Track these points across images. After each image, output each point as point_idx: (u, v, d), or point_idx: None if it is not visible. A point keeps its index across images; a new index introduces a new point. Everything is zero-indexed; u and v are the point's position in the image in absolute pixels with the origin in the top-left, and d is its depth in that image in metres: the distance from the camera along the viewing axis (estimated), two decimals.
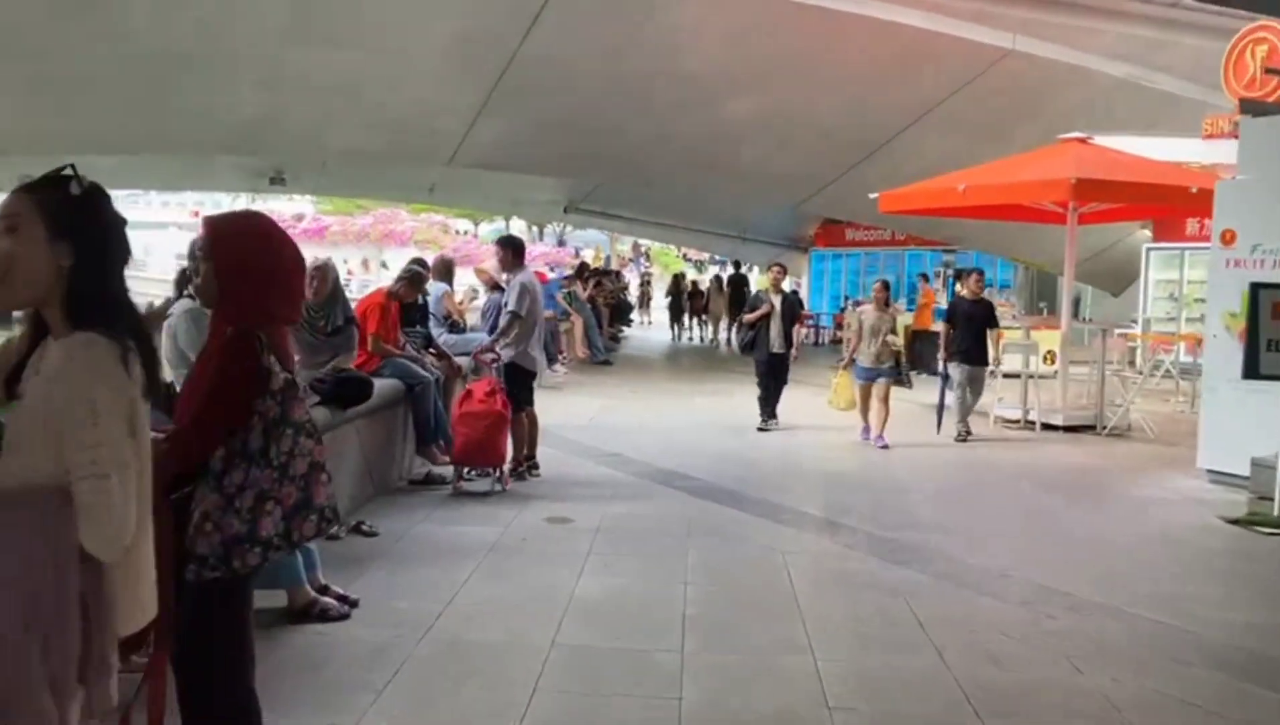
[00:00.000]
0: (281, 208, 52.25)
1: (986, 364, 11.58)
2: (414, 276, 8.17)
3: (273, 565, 4.68)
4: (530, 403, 8.44)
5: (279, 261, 2.84)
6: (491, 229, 58.37)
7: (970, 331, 11.25)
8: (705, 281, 30.50)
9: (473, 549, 6.13)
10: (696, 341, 27.19)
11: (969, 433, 11.15)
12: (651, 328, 30.80)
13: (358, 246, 43.25)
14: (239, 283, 2.75)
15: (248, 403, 2.65)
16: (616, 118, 15.48)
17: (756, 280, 45.63)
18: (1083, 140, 12.74)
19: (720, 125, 15.67)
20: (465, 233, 49.87)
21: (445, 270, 10.10)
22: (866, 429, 10.68)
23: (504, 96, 14.45)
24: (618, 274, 30.59)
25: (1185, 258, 19.02)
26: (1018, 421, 12.26)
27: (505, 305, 8.20)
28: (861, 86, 14.70)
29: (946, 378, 11.35)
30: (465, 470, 7.87)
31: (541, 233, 57.18)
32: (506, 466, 7.98)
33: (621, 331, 25.39)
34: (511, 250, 8.31)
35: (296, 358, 6.88)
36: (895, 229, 24.95)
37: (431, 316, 9.95)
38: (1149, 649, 4.92)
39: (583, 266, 19.97)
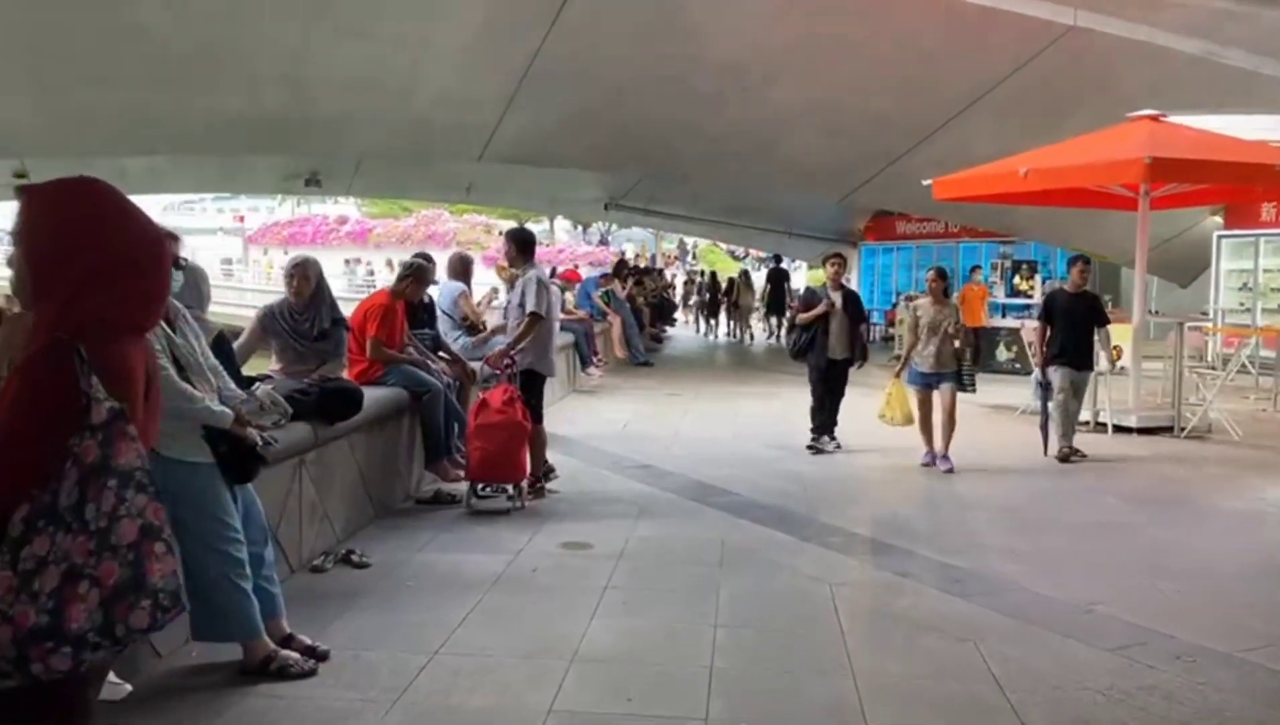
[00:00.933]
0: (326, 211, 52.25)
1: (1091, 367, 10.07)
2: (417, 272, 7.44)
3: (221, 611, 4.05)
4: (541, 415, 7.68)
5: (116, 245, 2.08)
6: (540, 231, 58.20)
7: (1072, 330, 9.77)
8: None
9: (474, 583, 5.38)
10: (724, 338, 26.46)
11: (1075, 452, 9.48)
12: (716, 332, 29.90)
13: (400, 248, 42.80)
14: (55, 275, 2.00)
15: (55, 442, 1.90)
16: (649, 108, 14.72)
17: (806, 275, 44.69)
18: (1155, 117, 11.76)
19: (760, 114, 14.86)
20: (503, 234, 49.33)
21: (462, 269, 9.37)
22: (931, 453, 9.01)
23: (532, 88, 13.76)
24: (660, 272, 29.78)
25: (1260, 245, 17.87)
26: (1086, 423, 11.31)
27: (521, 304, 7.45)
28: (912, 69, 13.80)
29: (1046, 387, 9.77)
30: (480, 487, 7.13)
31: (585, 232, 56.63)
32: (525, 483, 7.23)
33: (664, 331, 24.59)
34: (518, 244, 7.54)
35: (278, 366, 6.27)
36: (949, 220, 23.93)
37: (447, 318, 9.26)
38: (1273, 709, 4.06)
39: (621, 264, 19.21)
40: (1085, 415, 11.27)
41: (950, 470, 8.72)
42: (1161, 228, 18.06)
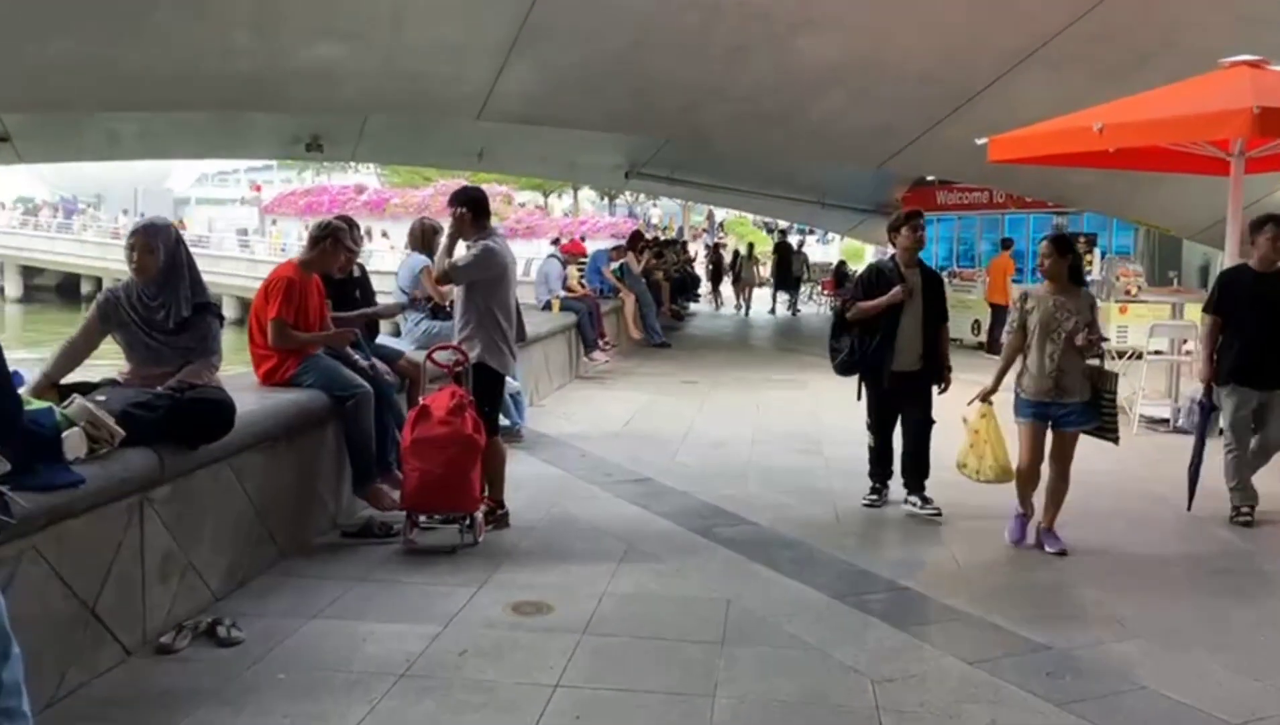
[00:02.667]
0: (345, 179, 50.94)
1: None
2: (333, 236, 5.86)
3: None
4: (498, 425, 6.13)
5: None
6: (567, 203, 56.42)
7: (1261, 328, 6.36)
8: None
9: (373, 674, 3.85)
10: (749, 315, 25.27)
11: (1248, 510, 6.36)
12: (722, 304, 28.28)
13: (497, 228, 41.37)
14: None
15: None
16: (665, 64, 13.09)
17: (840, 249, 42.90)
18: (1255, 64, 9.99)
19: (789, 71, 13.22)
20: (524, 205, 47.76)
21: (425, 239, 7.79)
22: (1022, 520, 5.89)
23: (533, 38, 12.17)
24: (684, 245, 28.11)
25: None
26: (1166, 422, 9.69)
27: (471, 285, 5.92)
28: (957, 21, 12.13)
29: (1210, 411, 6.71)
30: (422, 517, 5.61)
31: (612, 204, 54.99)
32: (480, 512, 5.70)
33: (686, 308, 22.99)
34: (470, 205, 5.95)
35: (128, 369, 4.72)
36: (997, 187, 22.13)
37: (412, 299, 7.73)
38: None
39: (636, 235, 17.58)
40: (1164, 410, 9.64)
41: (1062, 552, 5.66)
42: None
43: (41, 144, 22.03)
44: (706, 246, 31.03)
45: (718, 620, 4.53)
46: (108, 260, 42.50)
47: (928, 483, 6.46)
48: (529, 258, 32.26)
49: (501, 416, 7.93)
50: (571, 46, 12.66)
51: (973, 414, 5.97)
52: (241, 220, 49.13)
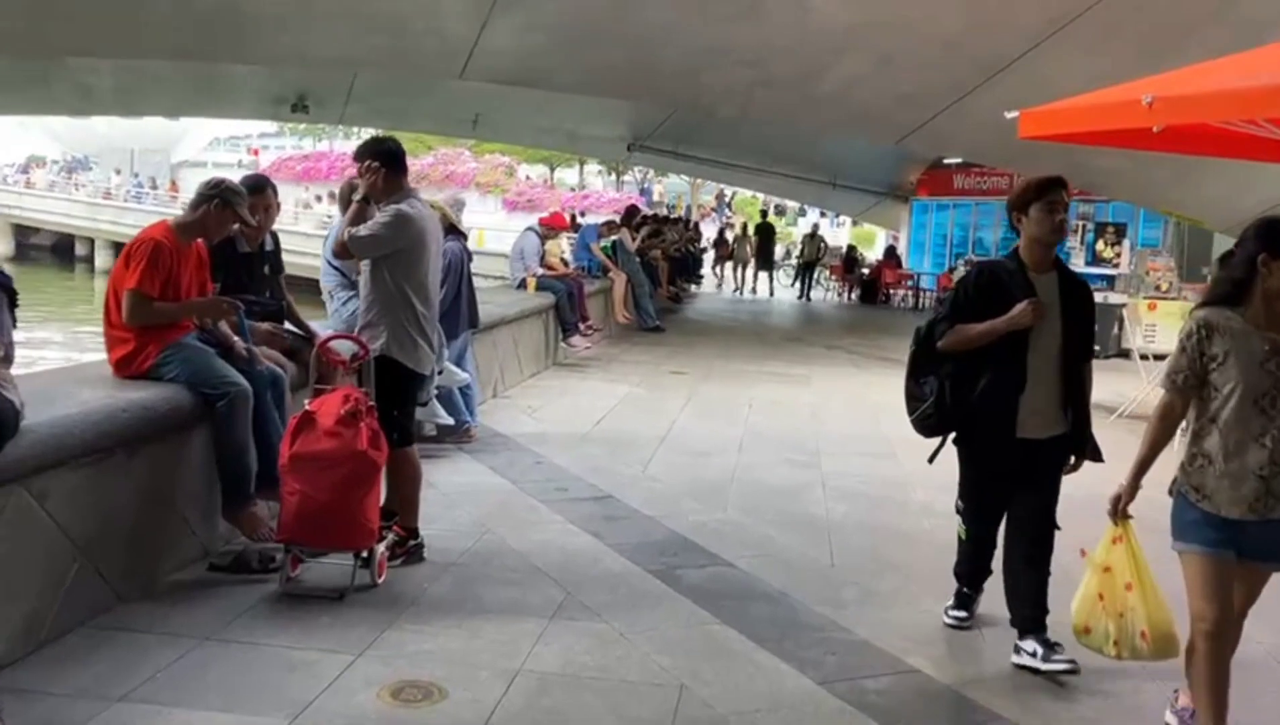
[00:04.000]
0: (343, 146, 49.58)
1: None
2: (223, 197, 4.69)
3: None
4: (412, 435, 4.96)
5: None
6: (575, 176, 54.93)
7: None
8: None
9: None
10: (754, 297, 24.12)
11: None
12: (725, 284, 27.09)
13: (418, 189, 40.05)
14: None
15: None
16: (665, 20, 11.89)
17: (849, 233, 41.52)
18: None
19: (804, 32, 12.03)
20: (529, 179, 46.34)
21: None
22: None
23: None
24: (687, 222, 26.84)
25: None
26: None
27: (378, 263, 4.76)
28: None
29: None
30: (303, 551, 4.46)
31: (620, 179, 53.65)
32: (382, 546, 4.55)
33: (687, 289, 21.80)
34: (383, 159, 4.78)
35: None
36: (1019, 171, 20.85)
37: (336, 273, 6.56)
38: None
39: (631, 210, 16.35)
40: None
41: None
42: (1274, 187, 15.05)
43: (9, 96, 20.90)
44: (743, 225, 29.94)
45: (665, 713, 3.38)
46: (98, 221, 41.41)
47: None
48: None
49: (447, 413, 6.80)
50: (557, 1, 11.50)
51: (1100, 545, 3.55)
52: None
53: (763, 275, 25.94)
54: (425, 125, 27.53)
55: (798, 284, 25.39)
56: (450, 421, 6.90)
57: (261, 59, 14.09)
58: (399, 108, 23.22)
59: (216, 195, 4.66)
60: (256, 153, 52.03)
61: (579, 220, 19.47)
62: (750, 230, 26.51)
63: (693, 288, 23.90)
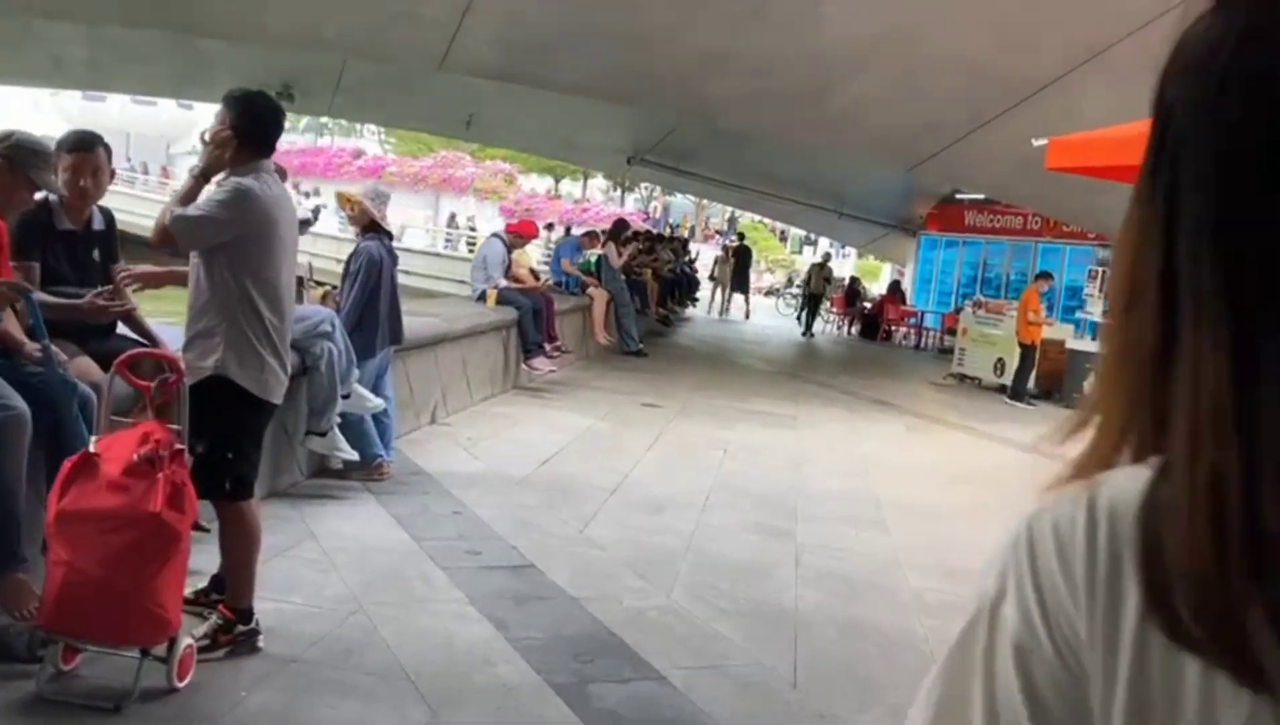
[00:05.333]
0: (345, 142, 48.67)
1: None
2: (11, 152, 3.56)
3: None
4: (250, 485, 3.81)
5: None
6: (584, 189, 53.87)
7: None
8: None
9: None
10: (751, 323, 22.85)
11: None
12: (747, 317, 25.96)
13: (413, 191, 39.09)
14: None
15: None
16: (665, 17, 10.85)
17: (854, 264, 40.44)
18: None
19: (814, 42, 10.99)
20: (534, 191, 45.30)
21: None
22: None
23: None
24: (684, 241, 25.73)
25: None
26: None
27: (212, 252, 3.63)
28: (1022, 7, 9.93)
29: None
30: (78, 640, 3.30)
31: (624, 194, 52.65)
32: (187, 641, 3.40)
33: (677, 312, 20.66)
34: (247, 121, 3.67)
35: None
36: (1035, 212, 19.83)
37: None
38: None
39: (619, 224, 15.21)
40: None
41: None
42: None
43: None
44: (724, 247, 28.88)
45: None
46: None
47: None
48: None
49: (351, 446, 5.66)
50: None
51: None
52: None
53: (738, 297, 25.35)
54: (417, 123, 26.48)
55: (801, 316, 24.11)
56: (354, 456, 5.75)
57: (214, 32, 13.02)
58: (390, 102, 22.18)
59: (5, 154, 3.52)
60: None
61: (572, 232, 18.39)
62: (729, 252, 25.71)
63: (687, 310, 22.80)
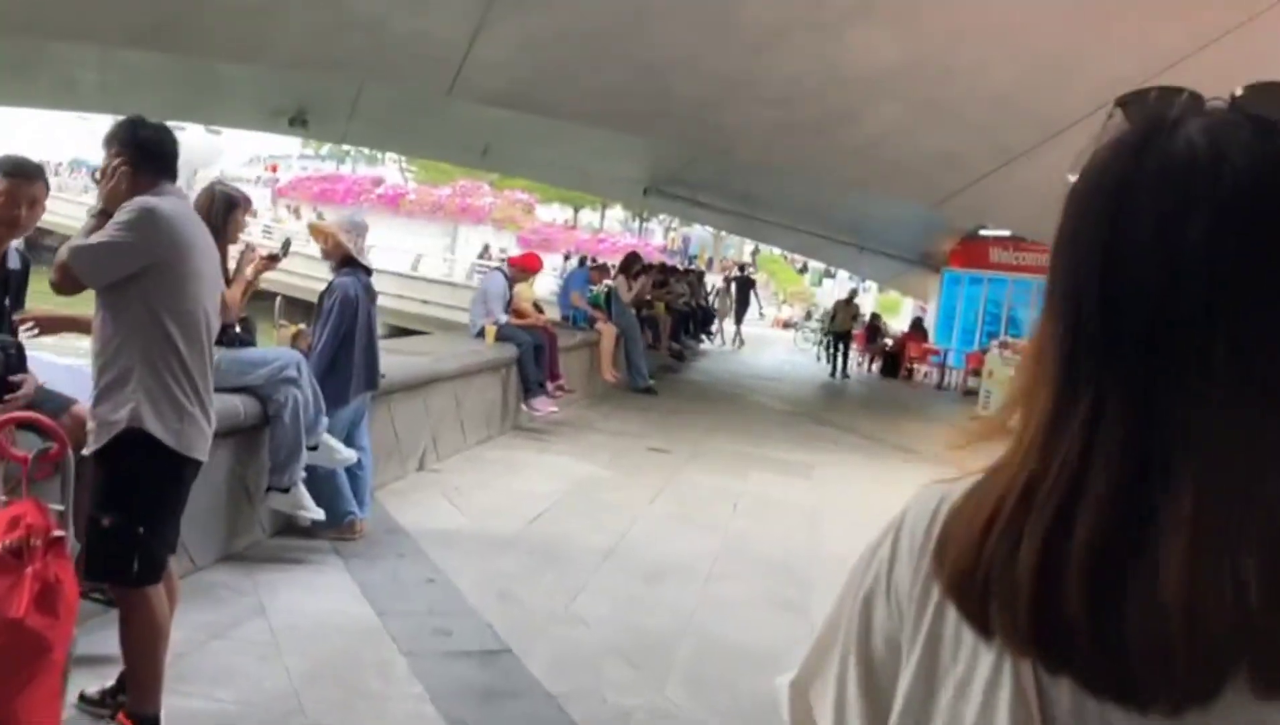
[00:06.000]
0: (368, 170, 48.50)
1: None
2: None
3: None
4: (161, 565, 3.26)
5: None
6: (607, 218, 53.52)
7: None
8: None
9: None
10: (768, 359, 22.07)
11: None
12: (740, 346, 25.39)
13: (431, 220, 38.74)
14: None
15: None
16: (680, 44, 10.38)
17: (874, 300, 39.87)
18: None
19: (837, 71, 10.52)
20: (555, 221, 44.98)
21: (212, 215, 4.90)
22: None
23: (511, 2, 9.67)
24: (700, 274, 25.21)
25: None
26: None
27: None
28: (1053, 36, 9.40)
29: None
30: None
31: (643, 225, 52.31)
32: None
33: (691, 347, 20.10)
34: (133, 149, 3.19)
35: None
36: None
37: None
38: None
39: (631, 257, 14.70)
40: None
41: None
42: None
43: None
44: (725, 278, 28.49)
45: None
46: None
47: None
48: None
49: (315, 503, 5.10)
50: (560, 14, 10.00)
51: None
52: (256, 202, 46.64)
53: (731, 327, 25.68)
54: (433, 151, 26.12)
55: (826, 355, 23.01)
56: (320, 514, 5.19)
57: (223, 53, 12.59)
58: (406, 130, 21.85)
59: None
60: (274, 168, 50.81)
61: (584, 263, 17.85)
62: (732, 284, 25.44)
63: (703, 344, 22.24)
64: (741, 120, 12.39)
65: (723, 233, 46.84)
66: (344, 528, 5.48)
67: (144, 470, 3.15)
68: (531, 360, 9.18)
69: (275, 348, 5.22)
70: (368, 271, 5.62)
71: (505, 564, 5.52)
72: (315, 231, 5.66)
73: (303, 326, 5.58)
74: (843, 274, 41.51)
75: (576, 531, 6.34)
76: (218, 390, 4.69)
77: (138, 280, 3.08)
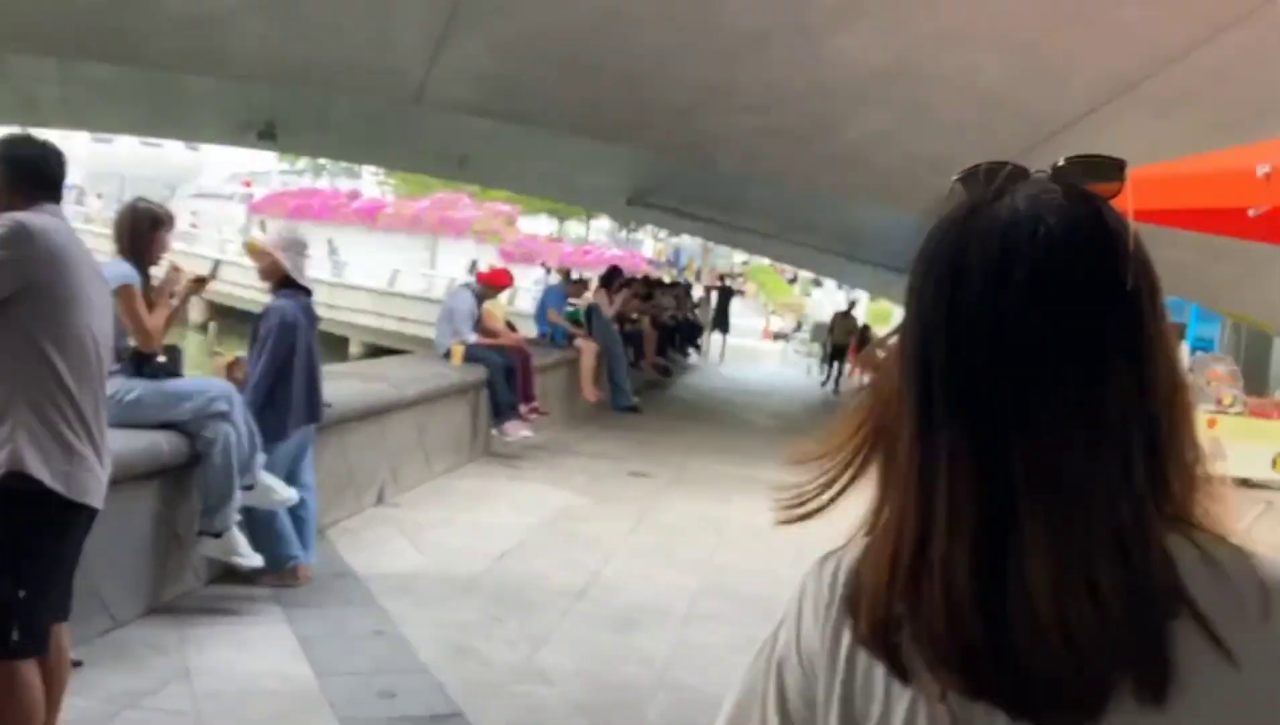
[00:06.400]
0: (348, 185, 48.07)
1: None
2: None
3: None
4: (42, 635, 2.81)
5: None
6: (593, 229, 53.09)
7: None
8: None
9: None
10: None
11: None
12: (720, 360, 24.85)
13: (410, 234, 38.23)
14: None
15: None
16: (657, 47, 9.98)
17: (865, 310, 39.54)
18: None
19: (821, 76, 10.15)
20: (541, 234, 44.54)
21: (134, 236, 4.38)
22: None
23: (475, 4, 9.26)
24: (688, 287, 24.80)
25: None
26: None
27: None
28: (1044, 29, 9.03)
29: None
30: None
31: (629, 236, 51.93)
32: None
33: (677, 360, 19.67)
34: (8, 161, 2.79)
35: None
36: None
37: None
38: None
39: (613, 271, 14.26)
40: None
41: None
42: None
43: None
44: (707, 288, 28.03)
45: None
46: None
47: None
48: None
49: (253, 547, 4.64)
50: (530, 16, 9.57)
51: None
52: (232, 218, 46.11)
53: (718, 338, 25.32)
54: (408, 163, 25.69)
55: (822, 369, 22.66)
56: (257, 561, 4.71)
57: (176, 63, 12.11)
58: (379, 142, 21.34)
59: None
60: (249, 184, 50.27)
61: (565, 276, 17.38)
62: (713, 293, 25.10)
63: (690, 357, 21.81)
64: (722, 128, 11.98)
65: (710, 243, 46.56)
66: (286, 573, 5.01)
67: (26, 521, 2.73)
68: (503, 381, 8.72)
69: (204, 379, 4.77)
70: (308, 292, 5.15)
71: (464, 611, 5.05)
72: (251, 250, 5.20)
73: (240, 354, 5.11)
74: (830, 283, 41.14)
75: (545, 570, 5.87)
76: (140, 427, 4.26)
77: (12, 304, 2.68)
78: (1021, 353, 0.78)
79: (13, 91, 17.79)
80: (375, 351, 23.33)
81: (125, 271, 4.32)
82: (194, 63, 11.77)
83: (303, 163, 51.35)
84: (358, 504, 6.54)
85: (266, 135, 20.03)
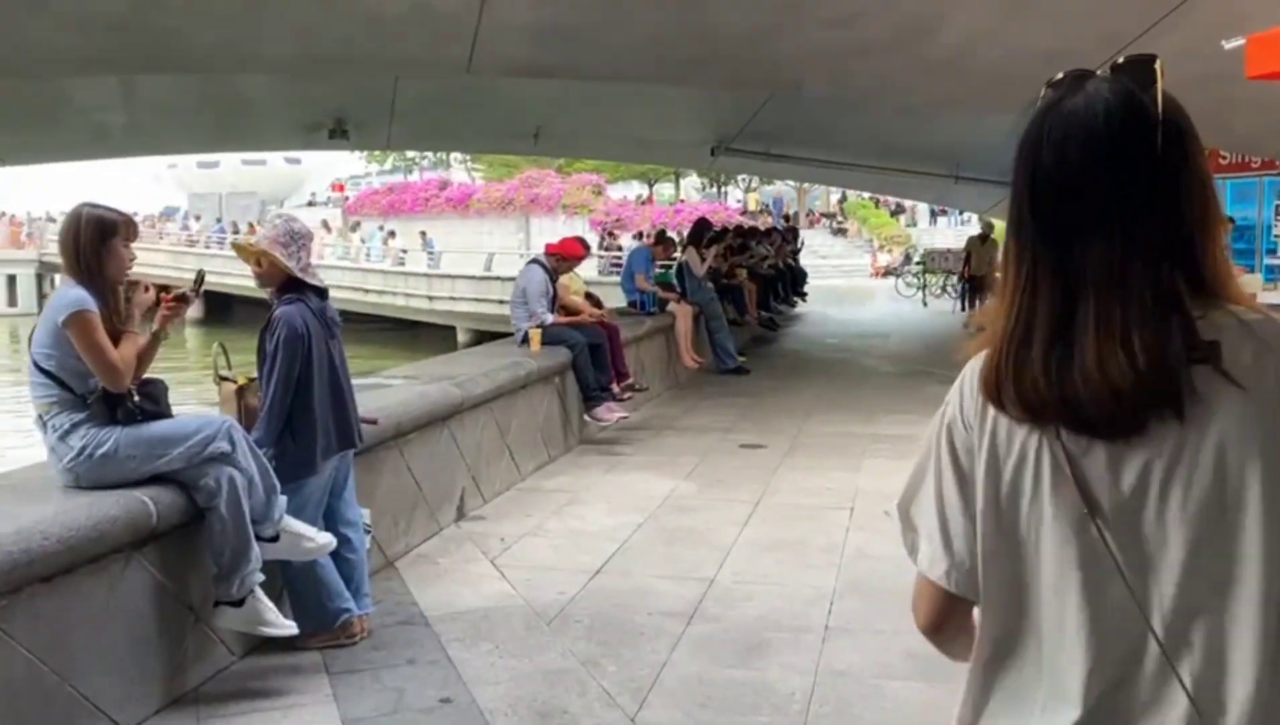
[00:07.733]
0: (433, 175, 47.79)
1: None
2: None
3: None
4: None
5: None
6: (684, 188, 51.92)
7: None
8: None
9: None
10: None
11: None
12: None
13: (502, 217, 37.67)
14: None
15: None
16: None
17: (968, 240, 37.56)
18: None
19: None
20: (625, 198, 43.54)
21: (80, 249, 3.52)
22: None
23: None
24: (789, 232, 23.47)
25: None
26: None
27: None
28: None
29: None
30: None
31: (720, 188, 50.65)
32: None
33: (783, 312, 18.53)
34: None
35: None
36: (1212, 144, 16.99)
37: (55, 384, 3.65)
38: None
39: (701, 224, 13.19)
40: None
41: None
42: None
43: (17, 140, 18.96)
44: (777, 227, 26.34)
45: None
46: (182, 268, 40.23)
47: None
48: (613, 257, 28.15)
49: (281, 612, 3.81)
50: None
51: None
52: (331, 222, 46.35)
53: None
54: (481, 144, 24.95)
55: (961, 303, 21.10)
56: (291, 628, 3.87)
57: (211, 65, 11.43)
58: (448, 125, 20.65)
59: None
60: (341, 188, 50.43)
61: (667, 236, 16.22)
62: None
63: (797, 307, 20.64)
64: (801, 50, 10.76)
65: (805, 185, 44.92)
66: (337, 631, 4.17)
67: None
68: (589, 362, 7.79)
69: (194, 417, 3.93)
70: (320, 293, 4.26)
71: (552, 655, 4.14)
72: (242, 252, 4.32)
73: (254, 376, 4.26)
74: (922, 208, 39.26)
75: (650, 585, 4.93)
76: (122, 486, 3.46)
77: None
78: (1079, 193, 1.21)
79: (83, 124, 17.58)
80: (481, 337, 22.81)
81: (74, 297, 3.50)
82: (232, 64, 11.11)
83: (390, 162, 51.29)
84: (433, 524, 5.70)
85: (338, 133, 19.43)
